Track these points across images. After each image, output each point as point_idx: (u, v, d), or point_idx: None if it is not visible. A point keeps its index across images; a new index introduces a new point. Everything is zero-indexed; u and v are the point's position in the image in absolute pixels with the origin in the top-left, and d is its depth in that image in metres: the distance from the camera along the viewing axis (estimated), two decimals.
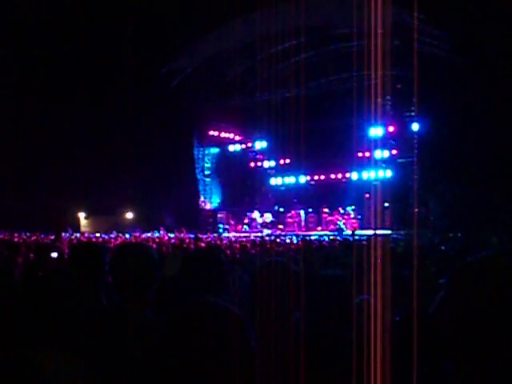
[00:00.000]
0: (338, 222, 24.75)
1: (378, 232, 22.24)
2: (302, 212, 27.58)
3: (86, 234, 22.84)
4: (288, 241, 17.38)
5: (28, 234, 18.86)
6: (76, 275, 2.55)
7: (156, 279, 2.83)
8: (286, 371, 2.23)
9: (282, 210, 28.26)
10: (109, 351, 2.44)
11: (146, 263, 2.79)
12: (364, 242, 11.95)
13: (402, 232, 21.68)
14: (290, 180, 29.38)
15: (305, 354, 2.43)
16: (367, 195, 25.73)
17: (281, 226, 27.27)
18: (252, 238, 20.76)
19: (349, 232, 23.67)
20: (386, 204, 24.68)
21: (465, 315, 1.05)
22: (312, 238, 19.88)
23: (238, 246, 13.10)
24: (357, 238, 19.32)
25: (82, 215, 29.48)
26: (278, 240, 17.38)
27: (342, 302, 3.19)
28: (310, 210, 27.51)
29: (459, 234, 18.00)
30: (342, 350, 2.48)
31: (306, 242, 14.27)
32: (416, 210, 24.56)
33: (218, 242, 16.19)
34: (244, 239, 19.27)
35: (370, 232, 23.08)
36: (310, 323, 2.62)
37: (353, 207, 25.71)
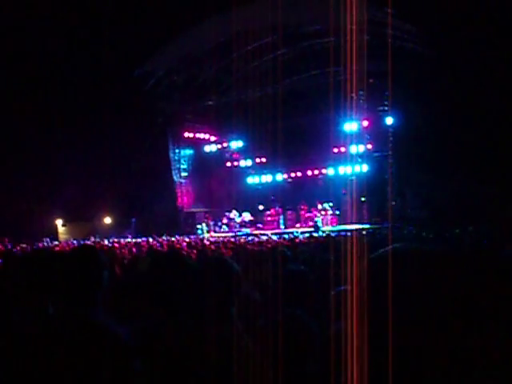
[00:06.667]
0: (316, 219, 24.77)
1: (354, 227, 22.39)
2: (280, 210, 27.56)
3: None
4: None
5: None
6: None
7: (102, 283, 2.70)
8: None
9: (260, 208, 28.27)
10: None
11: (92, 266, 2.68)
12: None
13: (379, 226, 21.85)
14: (267, 178, 29.46)
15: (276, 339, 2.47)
16: (344, 191, 25.88)
17: (260, 225, 27.28)
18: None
19: (325, 228, 23.76)
20: (363, 199, 24.85)
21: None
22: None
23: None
24: (330, 233, 19.43)
25: (59, 222, 29.18)
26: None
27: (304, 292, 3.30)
28: (288, 207, 27.51)
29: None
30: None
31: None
32: (393, 203, 24.77)
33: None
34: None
35: (345, 227, 23.24)
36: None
37: (330, 204, 25.74)
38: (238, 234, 24.65)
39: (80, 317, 1.39)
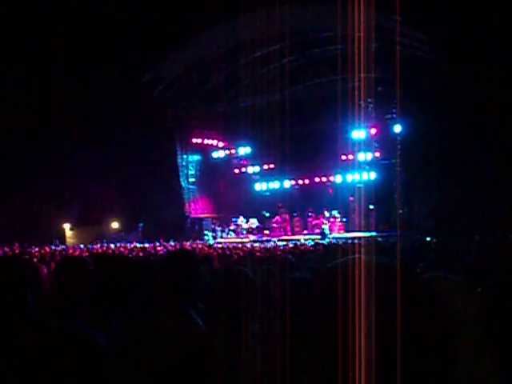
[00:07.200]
0: (323, 226, 24.72)
1: (361, 234, 22.36)
2: (287, 216, 27.50)
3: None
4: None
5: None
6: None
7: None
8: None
9: (267, 215, 28.24)
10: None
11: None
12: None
13: (386, 233, 21.79)
14: (274, 185, 29.41)
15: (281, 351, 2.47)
16: (352, 198, 25.84)
17: (266, 232, 27.23)
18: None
19: (332, 236, 23.73)
20: (371, 206, 24.80)
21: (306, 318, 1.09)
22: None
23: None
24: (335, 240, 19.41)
25: (67, 226, 29.27)
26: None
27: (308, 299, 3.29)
28: (296, 214, 27.45)
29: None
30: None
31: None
32: (400, 211, 24.70)
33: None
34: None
35: (352, 235, 23.21)
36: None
37: (338, 211, 25.69)
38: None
39: (60, 322, 1.39)
